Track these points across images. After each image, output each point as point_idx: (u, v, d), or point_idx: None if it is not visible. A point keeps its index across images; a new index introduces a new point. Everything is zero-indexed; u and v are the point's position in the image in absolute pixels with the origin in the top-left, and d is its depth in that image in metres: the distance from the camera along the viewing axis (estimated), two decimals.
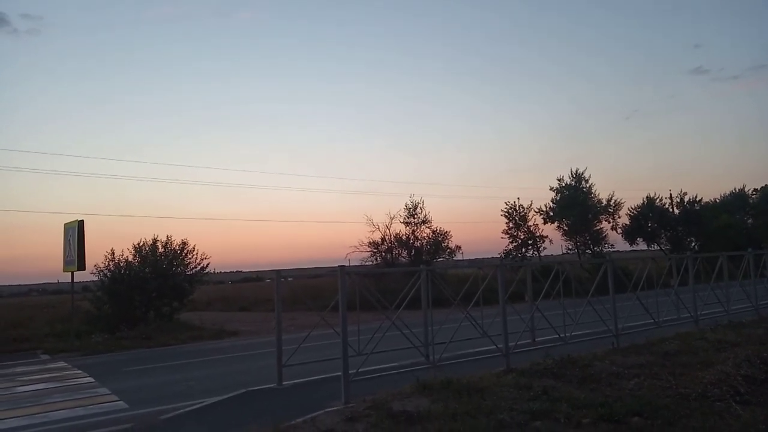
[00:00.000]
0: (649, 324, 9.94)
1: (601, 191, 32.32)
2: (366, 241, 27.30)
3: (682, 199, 35.88)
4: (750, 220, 38.36)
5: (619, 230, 33.49)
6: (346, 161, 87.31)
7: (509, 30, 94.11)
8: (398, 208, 28.48)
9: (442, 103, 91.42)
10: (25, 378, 10.60)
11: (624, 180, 79.76)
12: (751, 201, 39.07)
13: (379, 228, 27.36)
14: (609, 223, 32.27)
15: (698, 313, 10.54)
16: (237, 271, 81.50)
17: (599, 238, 31.57)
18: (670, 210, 35.85)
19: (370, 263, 27.04)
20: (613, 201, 32.10)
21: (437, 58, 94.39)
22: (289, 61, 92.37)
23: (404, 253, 27.60)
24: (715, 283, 11.75)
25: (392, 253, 27.55)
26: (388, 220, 27.52)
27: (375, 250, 27.37)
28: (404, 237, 27.57)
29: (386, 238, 27.49)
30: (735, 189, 39.66)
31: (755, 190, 39.70)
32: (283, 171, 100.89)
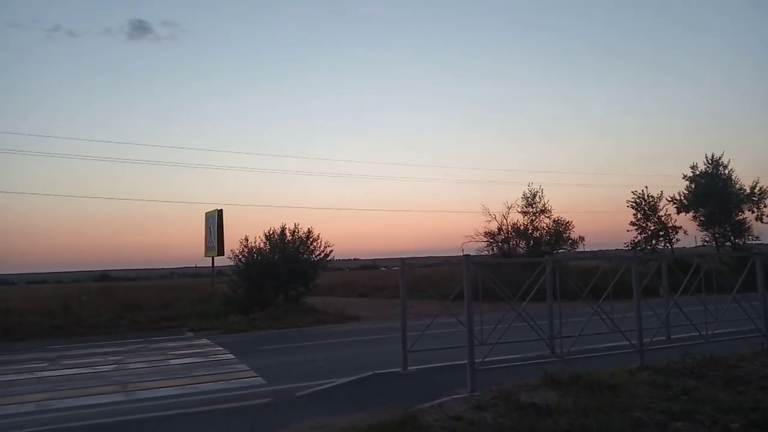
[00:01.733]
0: None
1: (744, 178, 29.33)
2: (482, 230, 26.99)
3: None
4: None
5: (766, 220, 30.28)
6: (462, 151, 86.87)
7: (627, 12, 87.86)
8: (515, 198, 27.81)
9: (562, 88, 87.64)
10: (175, 352, 11.78)
11: None
12: None
13: (495, 217, 26.92)
14: (753, 212, 29.27)
15: None
16: (354, 259, 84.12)
17: (742, 229, 28.76)
18: None
19: (486, 253, 26.71)
20: (758, 188, 29.07)
21: (556, 43, 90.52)
22: (403, 55, 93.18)
23: (522, 244, 26.95)
24: None
25: (509, 244, 27.01)
26: (504, 210, 27.00)
27: (491, 240, 26.97)
28: (522, 227, 26.91)
29: (503, 227, 26.99)
30: None
31: None
32: (399, 161, 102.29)
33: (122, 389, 8.24)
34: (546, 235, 26.82)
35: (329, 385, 7.40)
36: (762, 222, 29.79)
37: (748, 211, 29.17)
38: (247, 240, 20.02)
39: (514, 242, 27.17)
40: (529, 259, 21.33)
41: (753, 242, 28.85)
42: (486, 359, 6.61)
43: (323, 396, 6.93)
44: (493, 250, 27.00)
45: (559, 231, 26.62)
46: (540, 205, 26.78)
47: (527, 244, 26.77)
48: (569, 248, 26.80)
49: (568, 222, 26.89)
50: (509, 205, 26.94)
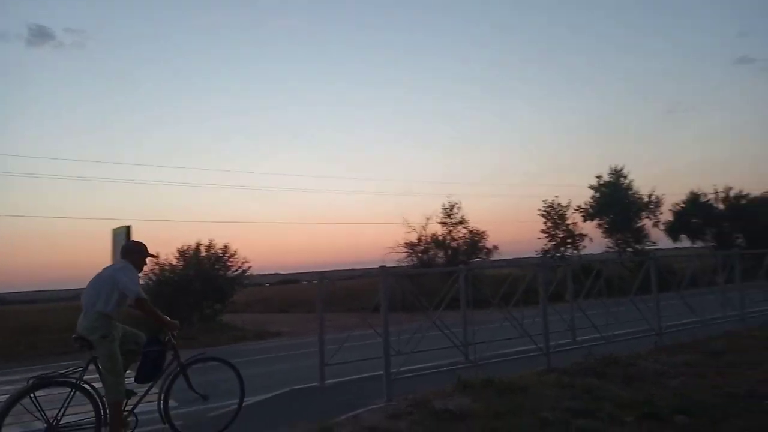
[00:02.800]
0: (694, 322, 9.75)
1: (643, 188, 31.63)
2: (402, 242, 27.42)
3: (727, 195, 34.81)
4: None
5: (662, 227, 32.77)
6: (381, 163, 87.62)
7: (544, 25, 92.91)
8: (434, 209, 28.52)
9: (477, 101, 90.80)
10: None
11: (666, 176, 77.65)
12: None
13: (415, 229, 27.47)
14: (651, 219, 31.62)
15: (745, 311, 10.27)
16: (275, 273, 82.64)
17: (641, 235, 30.96)
18: (715, 206, 34.83)
19: (407, 264, 27.14)
20: (654, 197, 31.43)
21: (473, 57, 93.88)
22: (323, 65, 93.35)
23: (441, 254, 27.61)
24: (764, 280, 11.43)
25: (428, 254, 27.59)
26: (424, 221, 27.60)
27: (411, 251, 27.47)
28: (441, 237, 27.59)
29: (422, 238, 27.56)
30: None
31: None
32: (319, 174, 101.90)
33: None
34: (463, 245, 27.65)
35: (245, 404, 7.20)
36: (659, 228, 32.24)
37: (646, 218, 31.48)
38: (158, 257, 19.22)
39: (433, 252, 27.79)
40: (443, 269, 21.83)
41: (651, 247, 31.11)
42: (402, 368, 6.70)
43: (238, 415, 6.74)
44: (413, 260, 27.49)
45: (475, 241, 27.53)
46: (458, 216, 27.63)
47: (446, 254, 27.47)
48: (484, 257, 27.76)
49: (483, 232, 27.91)
50: (428, 217, 27.58)
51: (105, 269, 5.47)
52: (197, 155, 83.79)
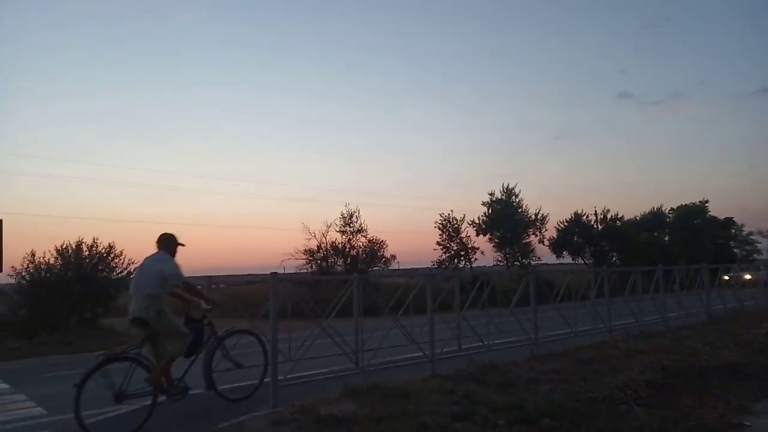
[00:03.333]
0: (567, 333, 10.53)
1: (531, 206, 33.68)
2: (302, 248, 27.26)
3: (605, 216, 37.96)
4: (666, 238, 40.96)
5: (547, 243, 35.03)
6: (283, 168, 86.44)
7: (446, 45, 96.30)
8: (335, 217, 28.65)
9: (379, 112, 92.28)
10: None
11: (553, 196, 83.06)
12: (668, 220, 41.75)
13: (315, 235, 27.42)
14: (537, 236, 33.69)
15: (612, 323, 11.23)
16: None
17: (527, 250, 32.88)
18: (595, 226, 37.80)
19: (306, 271, 27.00)
20: (540, 215, 33.54)
21: (375, 68, 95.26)
22: (227, 66, 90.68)
23: (340, 262, 27.74)
24: (629, 296, 12.56)
25: (328, 261, 27.62)
26: (324, 228, 27.62)
27: (311, 258, 27.38)
28: (340, 245, 27.73)
29: (322, 245, 27.57)
30: (654, 208, 42.32)
31: (672, 209, 42.53)
32: (218, 175, 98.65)
33: None
34: (362, 254, 27.94)
35: (121, 412, 6.86)
36: (544, 244, 34.39)
37: (533, 234, 33.49)
38: (33, 255, 17.80)
39: (333, 260, 27.85)
40: (340, 277, 21.97)
41: (536, 261, 33.09)
42: (289, 375, 6.69)
43: (113, 423, 6.43)
44: (312, 267, 27.38)
45: (374, 250, 27.93)
46: (357, 225, 27.89)
47: (345, 261, 27.62)
48: (383, 266, 28.24)
49: (382, 241, 28.38)
50: (328, 224, 27.63)
51: (147, 260, 6.65)
52: (87, 150, 78.22)
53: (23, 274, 17.56)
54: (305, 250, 27.22)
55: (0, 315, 17.80)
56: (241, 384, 7.43)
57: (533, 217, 33.25)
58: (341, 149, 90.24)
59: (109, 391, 6.14)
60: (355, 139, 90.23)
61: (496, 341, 9.20)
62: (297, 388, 6.73)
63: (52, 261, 17.96)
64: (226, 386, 7.27)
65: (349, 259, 27.59)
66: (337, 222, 27.77)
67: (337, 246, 27.70)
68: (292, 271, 26.41)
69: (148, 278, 6.39)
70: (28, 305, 17.33)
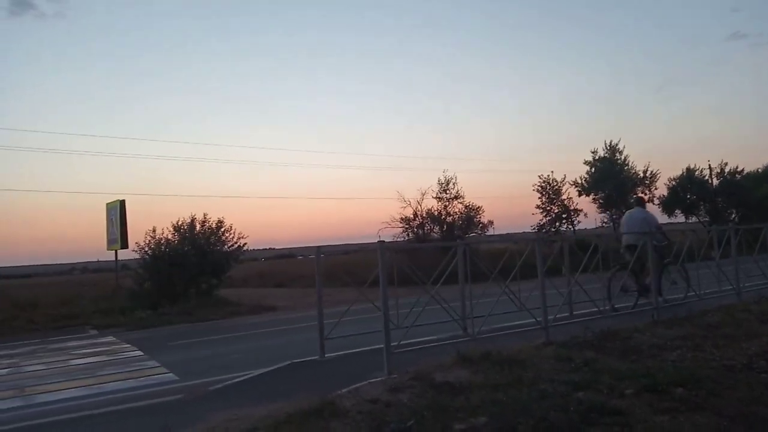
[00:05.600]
0: (690, 297, 9.84)
1: (637, 163, 31.52)
2: (398, 217, 27.37)
3: (722, 170, 34.89)
4: None
5: (657, 202, 32.85)
6: (377, 138, 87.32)
7: (536, 2, 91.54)
8: (430, 184, 28.41)
9: (473, 77, 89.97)
10: (77, 352, 11.10)
11: (661, 151, 78.02)
12: None
13: (410, 204, 27.38)
14: (646, 195, 31.62)
15: (741, 285, 10.36)
16: (270, 248, 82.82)
17: None
18: (710, 181, 34.93)
19: (402, 239, 27.15)
20: (648, 172, 31.42)
21: (465, 32, 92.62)
22: (317, 39, 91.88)
23: (436, 229, 27.61)
24: (759, 254, 11.51)
25: (424, 229, 27.59)
26: (419, 196, 27.51)
27: (407, 226, 27.43)
28: (436, 212, 27.56)
29: (418, 213, 27.52)
30: None
31: None
32: (314, 149, 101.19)
33: (19, 394, 7.68)
34: (458, 220, 27.64)
35: (245, 377, 7.26)
36: (653, 203, 32.28)
37: (642, 193, 31.46)
38: (154, 231, 19.18)
39: (429, 227, 27.78)
40: (441, 243, 21.86)
41: None
42: (402, 342, 6.72)
43: (239, 388, 6.79)
44: (408, 235, 27.48)
45: (471, 216, 27.51)
46: (453, 191, 27.54)
47: (441, 229, 27.47)
48: (480, 232, 27.78)
49: (478, 207, 27.85)
50: (423, 192, 27.49)
51: (632, 212, 10.92)
52: (189, 128, 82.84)
53: (146, 249, 19.00)
54: (401, 219, 27.33)
55: (128, 288, 19.45)
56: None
57: (641, 174, 31.23)
58: (434, 116, 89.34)
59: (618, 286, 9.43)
60: (448, 104, 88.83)
61: (612, 306, 8.75)
62: (409, 354, 6.76)
63: (170, 237, 19.27)
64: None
65: (445, 226, 27.38)
66: (433, 189, 27.57)
67: (433, 213, 27.57)
68: (389, 239, 26.68)
69: (635, 221, 10.36)
70: (151, 278, 18.77)
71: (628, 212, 11.16)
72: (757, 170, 37.47)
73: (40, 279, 48.38)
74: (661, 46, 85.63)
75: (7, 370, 9.54)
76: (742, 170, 35.08)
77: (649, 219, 10.47)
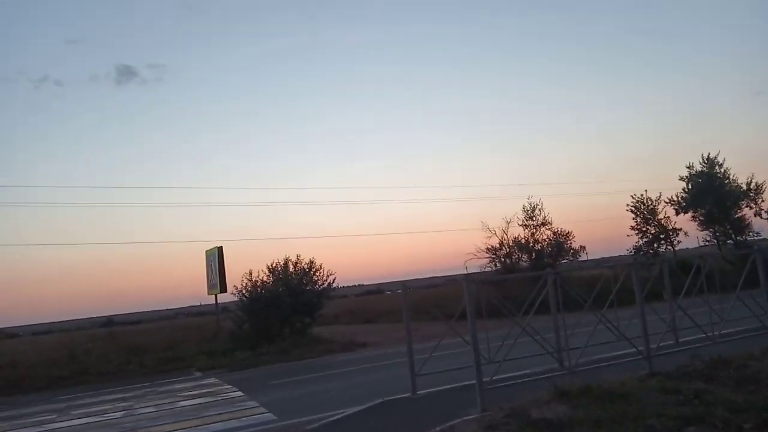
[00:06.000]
0: None
1: (739, 175, 29.34)
2: (483, 247, 26.97)
3: None
4: None
5: (765, 216, 30.31)
6: (457, 168, 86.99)
7: (620, 9, 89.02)
8: (514, 212, 27.85)
9: (550, 99, 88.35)
10: (184, 394, 11.70)
11: (764, 161, 72.04)
12: None
13: (495, 233, 26.92)
14: (751, 208, 29.31)
15: None
16: (359, 285, 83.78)
17: (741, 226, 28.77)
18: None
19: (490, 269, 26.66)
20: (753, 184, 29.15)
21: (541, 52, 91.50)
22: (391, 73, 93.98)
23: (524, 257, 26.91)
24: None
25: (512, 258, 26.96)
26: (504, 224, 27.02)
27: (493, 256, 26.93)
28: (523, 240, 26.91)
29: (504, 242, 26.98)
30: None
31: None
32: (394, 184, 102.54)
33: None
34: (547, 247, 26.81)
35: (340, 416, 7.35)
36: (761, 217, 29.82)
37: (747, 207, 29.21)
38: (251, 274, 20.02)
39: (517, 256, 27.12)
40: (529, 274, 21.24)
41: (754, 238, 28.83)
42: (494, 377, 6.58)
43: (335, 427, 6.89)
44: (496, 265, 26.94)
45: (560, 242, 26.62)
46: (540, 218, 26.83)
47: (529, 257, 26.73)
48: (571, 258, 26.78)
49: (568, 232, 26.91)
50: (509, 220, 26.99)
51: None
52: (277, 174, 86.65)
53: (243, 292, 19.85)
54: (487, 249, 26.89)
55: (228, 330, 20.32)
56: None
57: (744, 187, 29.03)
58: (514, 143, 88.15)
59: None
60: (526, 130, 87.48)
61: (721, 332, 8.13)
62: (503, 390, 6.60)
63: (265, 279, 20.04)
64: None
65: (534, 254, 26.64)
66: (519, 216, 27.00)
67: (520, 241, 26.93)
68: (476, 270, 26.26)
69: None
70: (250, 320, 19.53)
71: None
72: None
73: (148, 325, 51.58)
74: (755, 47, 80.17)
75: (122, 413, 10.20)
76: None
77: None
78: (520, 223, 26.92)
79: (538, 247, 26.79)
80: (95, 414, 10.31)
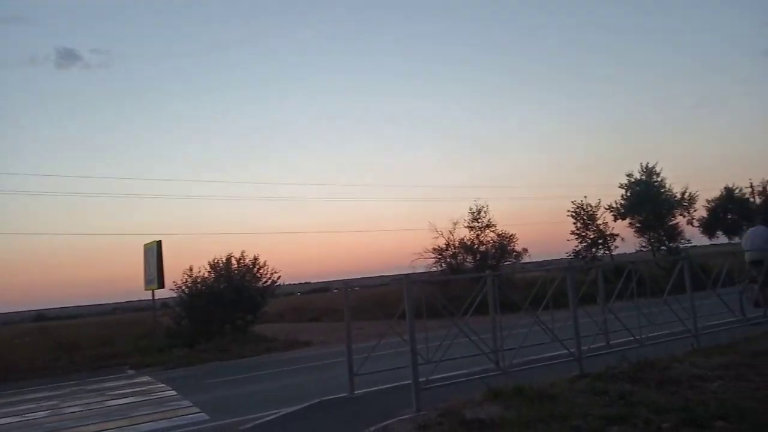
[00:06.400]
0: (733, 322, 9.44)
1: (674, 184, 30.79)
2: (430, 247, 27.25)
3: (764, 189, 33.83)
4: None
5: (696, 224, 31.92)
6: (407, 169, 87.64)
7: (566, 22, 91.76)
8: (461, 213, 28.26)
9: (500, 103, 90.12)
10: (114, 392, 11.26)
11: (698, 172, 76.10)
12: None
13: (442, 234, 27.26)
14: (684, 217, 30.81)
15: None
16: (305, 283, 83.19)
17: (674, 233, 30.19)
18: (752, 200, 33.84)
19: (436, 270, 26.96)
20: (687, 194, 30.64)
21: (493, 59, 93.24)
22: (346, 76, 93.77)
23: (469, 258, 27.35)
24: None
25: (457, 259, 27.36)
26: (451, 226, 27.38)
27: (440, 257, 27.28)
28: (469, 242, 27.34)
29: (450, 243, 27.35)
30: None
31: None
32: (345, 182, 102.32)
33: None
34: (491, 249, 27.33)
35: (275, 416, 7.24)
36: (693, 226, 31.39)
37: (680, 215, 30.67)
38: (191, 270, 19.53)
39: (462, 257, 27.54)
40: (470, 275, 21.57)
41: (686, 245, 30.30)
42: (431, 377, 6.62)
43: (269, 427, 6.77)
44: (441, 266, 27.28)
45: (504, 244, 27.19)
46: (485, 220, 27.33)
47: (474, 258, 27.19)
48: (514, 260, 27.40)
49: (511, 235, 27.53)
50: (455, 221, 27.37)
51: (756, 229, 11.41)
52: (222, 168, 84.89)
53: (183, 288, 19.33)
54: (434, 249, 27.19)
55: (165, 327, 19.75)
56: None
57: (679, 196, 30.47)
58: (463, 146, 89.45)
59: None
60: (476, 134, 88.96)
61: (649, 335, 8.45)
62: (439, 390, 6.63)
63: (206, 275, 19.58)
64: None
65: (478, 256, 27.10)
66: (465, 218, 27.43)
67: (465, 243, 27.35)
68: (422, 270, 26.51)
69: (760, 238, 11.01)
70: (189, 316, 19.04)
71: (751, 230, 11.62)
72: None
73: (83, 320, 49.55)
74: (693, 63, 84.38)
75: (47, 412, 9.73)
76: None
77: None
78: (466, 225, 27.39)
79: (482, 248, 27.28)
80: (16, 414, 9.79)
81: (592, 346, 7.84)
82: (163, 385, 11.52)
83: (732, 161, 73.90)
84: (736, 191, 33.48)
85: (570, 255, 29.68)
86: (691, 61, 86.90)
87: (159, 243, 18.19)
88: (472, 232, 27.37)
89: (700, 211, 32.12)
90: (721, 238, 33.72)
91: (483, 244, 27.29)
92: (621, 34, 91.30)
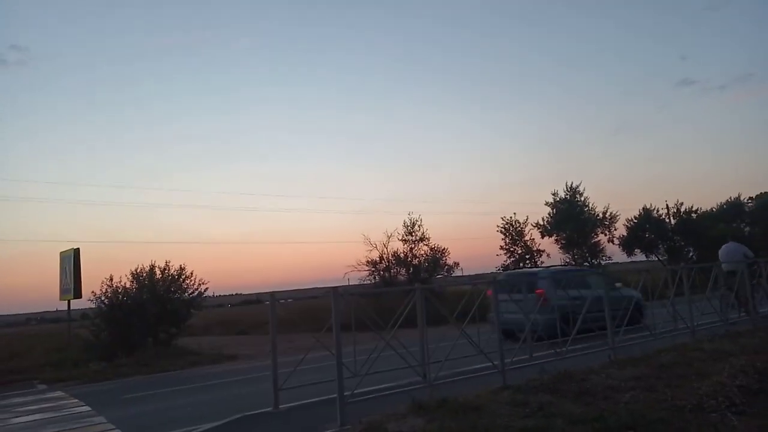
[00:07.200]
0: (646, 336, 9.94)
1: (597, 204, 32.39)
2: (364, 260, 27.28)
3: (678, 210, 35.98)
4: (747, 228, 38.34)
5: (617, 242, 33.59)
6: (342, 182, 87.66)
7: (497, 46, 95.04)
8: (396, 227, 28.47)
9: (434, 120, 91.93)
10: (20, 409, 10.50)
11: (618, 193, 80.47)
12: (747, 209, 39.11)
13: (376, 247, 27.36)
14: (606, 235, 32.38)
15: (695, 323, 10.53)
16: (237, 294, 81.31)
17: (597, 250, 31.65)
18: (667, 220, 35.93)
19: (369, 282, 26.98)
20: (608, 213, 32.24)
21: (431, 75, 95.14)
22: (281, 88, 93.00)
23: (402, 271, 27.55)
24: (712, 293, 11.77)
25: (390, 272, 27.50)
26: (385, 239, 27.54)
27: (373, 269, 27.33)
28: (402, 255, 27.56)
29: (384, 256, 27.48)
30: (730, 198, 39.71)
31: (750, 198, 39.84)
32: (280, 193, 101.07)
33: None
34: (424, 262, 27.66)
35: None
36: (613, 243, 33.03)
37: (602, 233, 32.21)
38: (111, 279, 18.61)
39: (395, 270, 27.70)
40: (401, 287, 21.69)
41: (606, 261, 31.83)
42: (356, 391, 6.57)
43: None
44: (375, 278, 27.33)
45: (437, 258, 27.59)
46: (419, 234, 27.65)
47: (407, 271, 27.41)
48: (446, 274, 27.83)
49: (444, 249, 27.98)
50: (389, 234, 27.55)
51: (729, 246, 13.55)
52: (152, 176, 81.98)
53: (102, 298, 18.36)
54: (367, 261, 27.23)
55: (83, 339, 18.70)
56: None
57: (601, 215, 32.02)
58: (399, 160, 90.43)
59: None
60: (412, 150, 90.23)
61: (569, 348, 8.76)
62: (365, 404, 6.60)
63: (128, 285, 18.70)
64: None
65: (411, 269, 27.36)
66: (399, 232, 27.66)
67: (399, 256, 27.56)
68: (356, 282, 26.49)
69: (734, 253, 13.06)
70: (108, 328, 18.09)
71: (725, 246, 13.62)
72: (712, 209, 38.78)
73: None
74: (616, 90, 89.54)
75: None
76: (698, 209, 36.26)
77: (746, 251, 13.21)
78: (400, 238, 27.62)
79: (415, 261, 27.57)
80: None
81: (515, 359, 8.05)
82: (76, 400, 10.86)
83: (650, 183, 78.62)
84: (654, 212, 35.45)
85: (499, 269, 30.52)
86: (615, 89, 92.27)
87: (77, 251, 17.29)
88: (405, 245, 27.63)
89: (621, 229, 33.91)
90: (639, 256, 35.54)
91: (416, 258, 27.59)
92: (554, 57, 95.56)
